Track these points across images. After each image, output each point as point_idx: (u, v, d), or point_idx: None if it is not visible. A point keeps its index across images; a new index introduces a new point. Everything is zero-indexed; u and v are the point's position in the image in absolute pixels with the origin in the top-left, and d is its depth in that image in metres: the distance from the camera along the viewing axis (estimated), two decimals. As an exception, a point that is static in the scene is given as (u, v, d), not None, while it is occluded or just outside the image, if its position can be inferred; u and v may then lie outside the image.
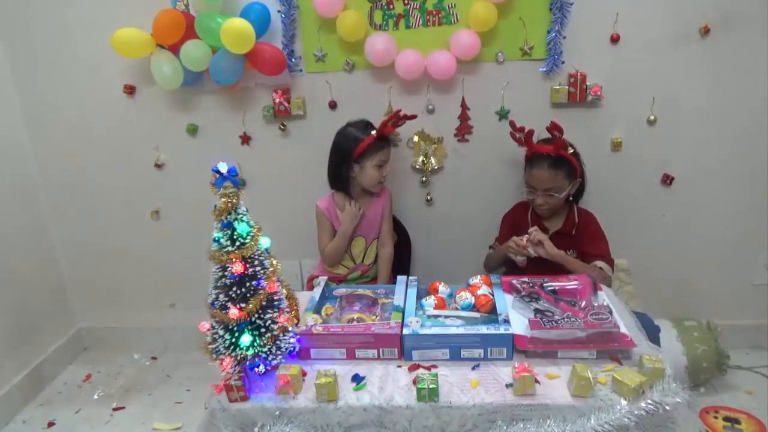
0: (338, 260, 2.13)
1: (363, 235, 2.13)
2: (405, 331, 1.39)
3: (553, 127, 1.85)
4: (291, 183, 2.41)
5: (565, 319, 1.39)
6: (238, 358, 1.31)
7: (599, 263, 1.88)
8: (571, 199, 2.00)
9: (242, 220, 1.29)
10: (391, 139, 2.10)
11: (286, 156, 2.37)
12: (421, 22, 2.12)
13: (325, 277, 1.79)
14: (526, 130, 1.95)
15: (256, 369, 1.33)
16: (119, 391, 2.42)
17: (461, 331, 1.39)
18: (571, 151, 1.91)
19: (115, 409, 2.30)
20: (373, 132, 1.98)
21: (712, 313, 2.26)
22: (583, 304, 1.50)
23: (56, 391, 2.47)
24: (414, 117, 2.07)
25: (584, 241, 1.96)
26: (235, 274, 1.28)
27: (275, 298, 1.35)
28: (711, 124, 2.16)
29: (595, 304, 1.49)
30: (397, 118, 2.02)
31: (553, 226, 2.01)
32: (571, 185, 1.93)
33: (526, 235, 1.86)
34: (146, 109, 2.37)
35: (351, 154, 1.98)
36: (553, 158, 1.89)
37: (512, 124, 2.02)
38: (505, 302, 1.54)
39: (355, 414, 1.25)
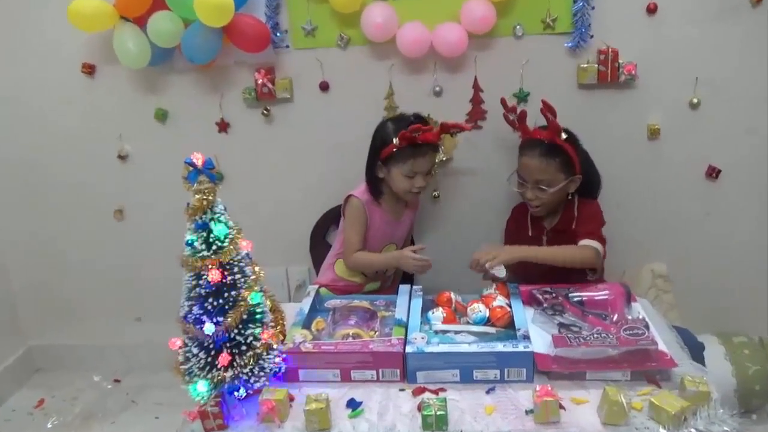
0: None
1: (395, 242, 2.13)
2: (408, 349, 1.39)
3: (546, 109, 1.85)
4: (276, 177, 2.41)
5: (595, 335, 1.39)
6: (215, 380, 1.31)
7: (584, 241, 1.83)
8: (570, 197, 1.98)
9: (219, 221, 1.29)
10: (439, 145, 2.05)
11: (271, 146, 2.37)
12: (426, -10, 2.13)
13: (316, 287, 1.79)
14: (518, 111, 1.96)
15: (235, 393, 1.33)
16: (77, 418, 2.42)
17: (474, 348, 1.39)
18: (565, 137, 1.87)
19: (72, 440, 2.30)
20: (396, 140, 1.90)
21: (764, 328, 2.26)
22: (615, 317, 1.51)
23: (3, 419, 2.46)
24: (467, 128, 2.05)
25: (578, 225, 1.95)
26: (212, 283, 1.28)
27: (258, 310, 1.35)
28: (763, 108, 2.16)
29: (629, 318, 1.50)
30: (445, 130, 1.98)
31: (550, 223, 2.02)
32: (567, 181, 1.90)
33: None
34: (108, 92, 2.37)
35: (378, 155, 1.96)
36: (546, 146, 1.88)
37: (504, 102, 2.02)
38: (525, 315, 1.54)
39: (351, 445, 1.25)
